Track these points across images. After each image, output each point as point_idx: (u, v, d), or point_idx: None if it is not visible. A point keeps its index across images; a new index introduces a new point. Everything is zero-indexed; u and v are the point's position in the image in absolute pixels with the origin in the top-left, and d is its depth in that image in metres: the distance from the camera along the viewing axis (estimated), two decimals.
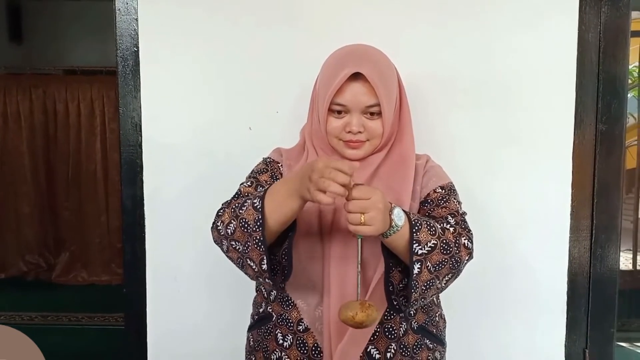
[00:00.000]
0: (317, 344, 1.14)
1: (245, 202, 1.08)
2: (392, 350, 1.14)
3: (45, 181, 4.81)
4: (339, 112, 1.15)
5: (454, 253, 1.07)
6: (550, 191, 1.59)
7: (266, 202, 1.04)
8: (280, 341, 1.17)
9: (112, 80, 4.30)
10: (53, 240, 4.91)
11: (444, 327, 1.29)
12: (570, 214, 1.60)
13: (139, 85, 1.58)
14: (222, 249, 1.14)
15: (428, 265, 1.04)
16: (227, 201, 1.17)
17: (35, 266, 4.88)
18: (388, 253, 1.09)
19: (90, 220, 4.79)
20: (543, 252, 1.61)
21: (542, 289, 1.62)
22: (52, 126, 4.75)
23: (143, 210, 1.61)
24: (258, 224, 1.03)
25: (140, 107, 1.59)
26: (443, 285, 1.10)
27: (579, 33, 1.56)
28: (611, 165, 1.60)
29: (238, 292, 1.49)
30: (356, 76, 1.12)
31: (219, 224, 1.11)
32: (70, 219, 4.84)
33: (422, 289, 1.05)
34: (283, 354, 1.17)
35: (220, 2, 1.56)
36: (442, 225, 1.10)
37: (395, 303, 1.10)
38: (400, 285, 1.11)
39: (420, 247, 1.03)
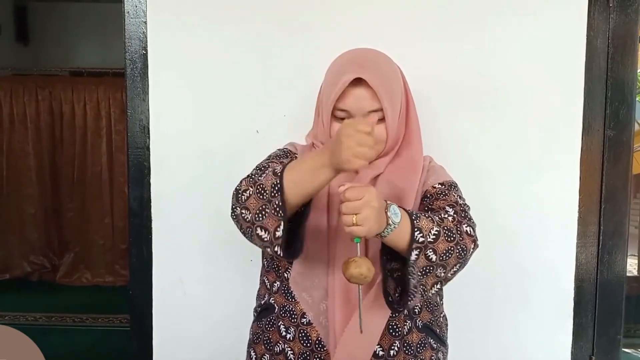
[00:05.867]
0: (321, 338, 1.14)
1: (266, 170, 1.07)
2: (396, 348, 1.14)
3: (50, 182, 4.81)
4: (342, 118, 1.15)
5: (459, 240, 1.06)
6: (558, 197, 1.59)
7: (288, 173, 1.02)
8: (284, 333, 1.17)
9: (118, 82, 4.36)
10: (57, 242, 4.91)
11: (447, 329, 1.28)
12: (578, 220, 1.60)
13: (147, 88, 1.59)
14: (233, 215, 1.09)
15: (428, 254, 1.02)
16: (248, 174, 1.15)
17: (40, 267, 4.88)
18: (386, 259, 1.08)
19: (95, 221, 4.79)
20: (550, 258, 1.60)
21: (549, 295, 1.61)
22: (58, 127, 4.75)
23: (150, 212, 1.62)
24: (276, 189, 1.00)
25: (148, 110, 1.60)
26: (449, 275, 1.08)
27: (587, 39, 1.56)
28: (619, 172, 1.60)
29: (244, 295, 1.49)
30: (359, 81, 1.11)
31: (239, 189, 1.08)
32: (75, 220, 4.84)
33: (419, 276, 1.04)
34: (286, 346, 1.16)
35: (228, 7, 1.57)
36: (440, 215, 1.09)
37: (395, 306, 1.10)
38: (397, 295, 1.10)
39: (422, 235, 1.02)
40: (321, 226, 1.14)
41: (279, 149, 1.27)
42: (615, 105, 1.58)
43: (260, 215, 1.02)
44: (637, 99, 1.66)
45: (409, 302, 1.07)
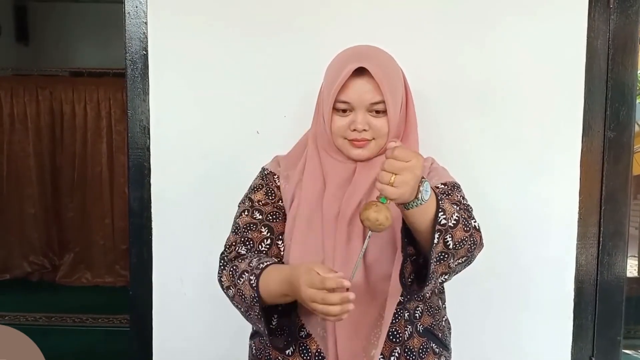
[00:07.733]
0: (320, 349, 1.13)
1: (242, 272, 1.11)
2: (397, 354, 1.13)
3: (50, 182, 4.83)
4: (344, 111, 1.14)
5: (472, 232, 1.05)
6: (558, 198, 1.58)
7: (262, 287, 1.06)
8: None
9: (119, 82, 4.37)
10: (57, 242, 4.92)
11: (449, 332, 1.27)
12: (578, 221, 1.60)
13: (148, 89, 1.59)
14: (224, 290, 1.18)
15: (447, 240, 1.01)
16: (228, 244, 1.21)
17: (40, 267, 4.89)
18: (406, 241, 1.06)
19: (95, 221, 4.81)
20: (550, 259, 1.60)
21: (549, 297, 1.61)
22: (58, 128, 4.77)
23: (150, 213, 1.62)
24: (254, 300, 1.06)
25: (149, 110, 1.59)
26: (454, 266, 1.06)
27: (587, 40, 1.55)
28: (619, 173, 1.60)
29: None
30: (361, 73, 1.11)
31: (222, 279, 1.16)
32: (75, 220, 4.85)
33: (435, 261, 1.02)
34: None
35: (229, 7, 1.57)
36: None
37: (408, 290, 1.09)
38: (410, 280, 1.09)
39: (445, 217, 1.00)
40: (318, 238, 1.13)
41: (260, 171, 1.27)
42: (615, 106, 1.58)
43: (248, 313, 1.11)
44: (637, 100, 1.66)
45: (425, 288, 1.06)
